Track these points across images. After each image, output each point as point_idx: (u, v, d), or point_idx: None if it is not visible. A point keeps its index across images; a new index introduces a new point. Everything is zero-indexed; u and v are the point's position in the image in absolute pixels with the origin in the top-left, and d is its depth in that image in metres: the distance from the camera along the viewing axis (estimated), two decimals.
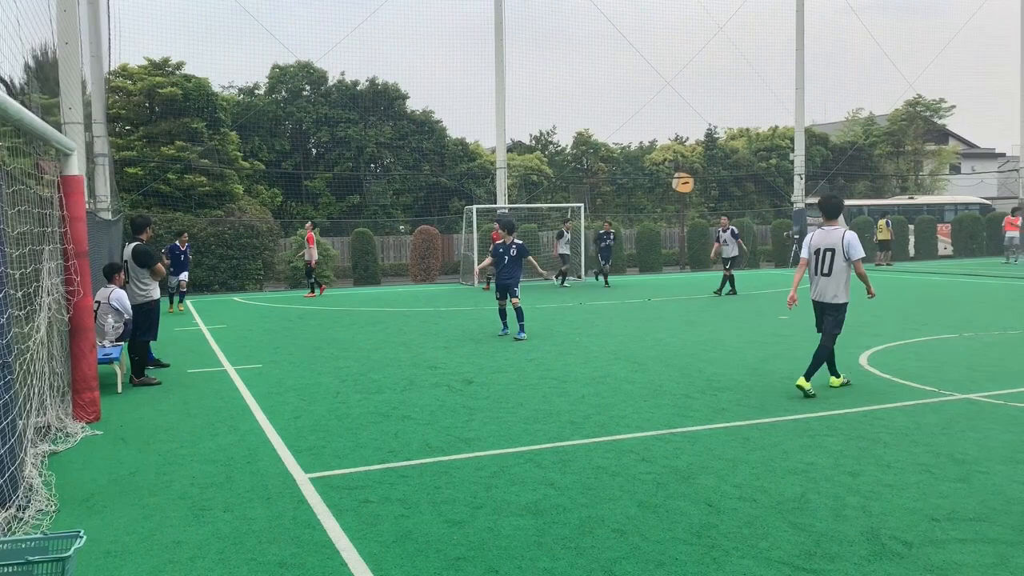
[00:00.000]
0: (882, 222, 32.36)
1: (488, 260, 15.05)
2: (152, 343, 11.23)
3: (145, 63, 28.22)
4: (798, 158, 34.79)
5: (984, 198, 42.29)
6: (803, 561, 4.61)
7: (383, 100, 35.81)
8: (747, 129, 43.89)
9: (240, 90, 34.84)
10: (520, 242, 14.23)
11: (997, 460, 6.41)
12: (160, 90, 27.30)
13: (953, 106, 45.29)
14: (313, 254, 23.71)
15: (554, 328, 15.27)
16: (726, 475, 6.17)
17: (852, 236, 8.96)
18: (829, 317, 9.10)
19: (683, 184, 34.53)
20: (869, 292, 9.37)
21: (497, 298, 14.48)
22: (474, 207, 28.21)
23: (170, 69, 28.37)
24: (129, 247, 11.07)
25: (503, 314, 14.41)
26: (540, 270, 16.17)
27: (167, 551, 4.99)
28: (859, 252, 8.90)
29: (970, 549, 4.73)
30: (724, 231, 21.43)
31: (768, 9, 59.17)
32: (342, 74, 35.61)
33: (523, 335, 13.85)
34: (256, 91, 35.09)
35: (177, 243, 20.18)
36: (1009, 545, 4.78)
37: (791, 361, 11.13)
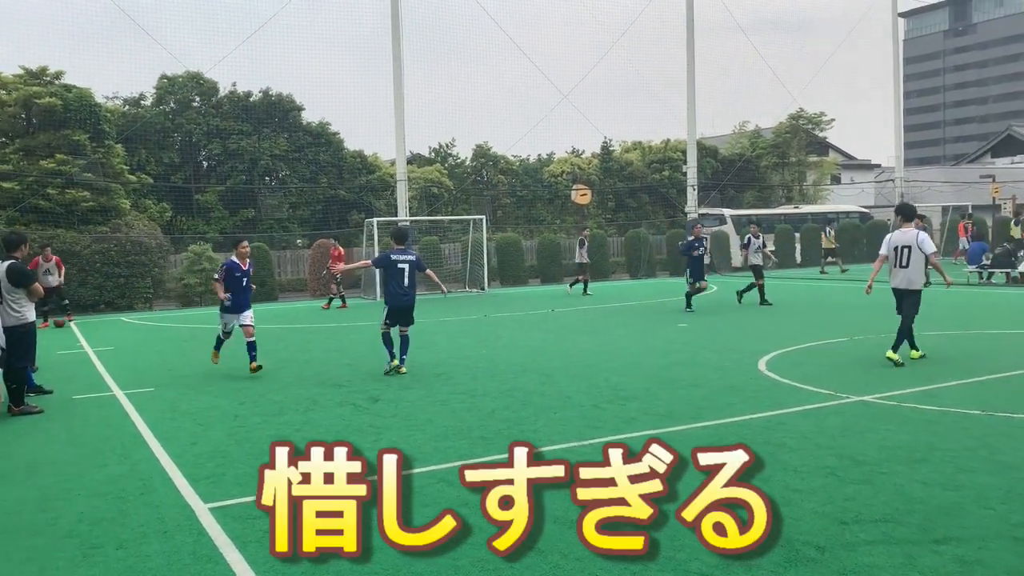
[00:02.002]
0: (832, 233, 33.79)
1: (364, 263, 14.78)
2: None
3: (21, 72, 26.68)
4: (690, 170, 35.75)
5: (863, 207, 44.46)
6: (721, 571, 4.62)
7: (277, 112, 34.95)
8: (641, 142, 44.90)
9: (125, 101, 33.38)
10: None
11: (897, 461, 6.63)
12: (38, 100, 25.81)
13: (833, 119, 47.76)
14: (59, 279, 19.98)
15: (460, 341, 15.14)
16: None
17: (925, 236, 10.91)
18: (908, 301, 11.01)
19: (581, 196, 35.01)
20: (946, 281, 11.62)
21: (390, 324, 11.68)
22: (375, 220, 27.80)
23: (48, 78, 26.88)
24: (2, 266, 10.38)
25: (391, 341, 11.72)
26: (442, 286, 13.43)
27: None
28: (931, 247, 10.84)
29: (879, 551, 4.84)
30: (756, 238, 21.37)
31: (660, 26, 60.95)
32: (234, 85, 34.62)
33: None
34: (143, 102, 33.68)
35: (235, 259, 12.27)
36: (915, 545, 4.91)
37: (692, 367, 11.32)
